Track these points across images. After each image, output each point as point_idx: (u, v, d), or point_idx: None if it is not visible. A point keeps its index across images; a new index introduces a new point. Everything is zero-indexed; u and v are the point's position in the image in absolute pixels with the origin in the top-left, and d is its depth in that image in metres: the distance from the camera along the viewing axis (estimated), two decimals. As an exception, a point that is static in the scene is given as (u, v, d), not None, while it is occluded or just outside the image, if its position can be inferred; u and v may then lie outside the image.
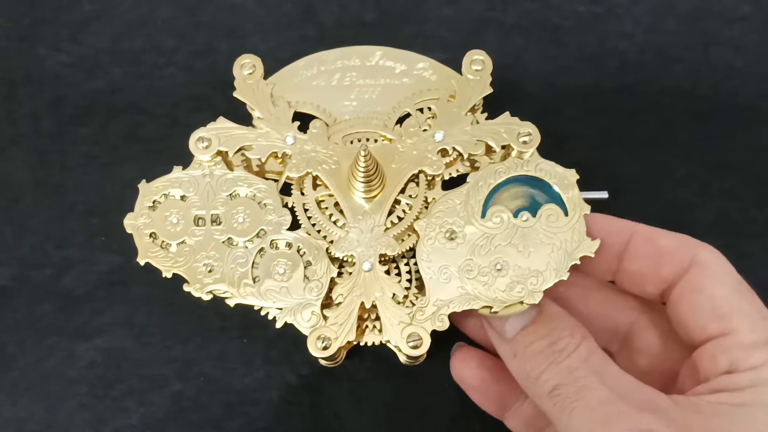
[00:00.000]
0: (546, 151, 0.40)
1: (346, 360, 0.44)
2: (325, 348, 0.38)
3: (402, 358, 0.40)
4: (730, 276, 0.35)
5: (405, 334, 0.37)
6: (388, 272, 0.40)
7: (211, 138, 0.41)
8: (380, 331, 0.39)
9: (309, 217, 0.41)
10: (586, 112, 0.50)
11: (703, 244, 0.36)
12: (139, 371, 0.45)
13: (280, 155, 0.41)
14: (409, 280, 0.41)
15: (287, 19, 0.53)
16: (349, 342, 0.38)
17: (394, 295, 0.39)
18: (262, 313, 0.39)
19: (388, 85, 0.46)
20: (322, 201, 0.41)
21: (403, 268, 0.41)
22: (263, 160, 0.41)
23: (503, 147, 0.40)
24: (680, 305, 0.35)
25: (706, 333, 0.34)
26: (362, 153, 0.38)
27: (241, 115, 0.42)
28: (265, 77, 0.44)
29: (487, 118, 0.42)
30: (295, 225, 0.41)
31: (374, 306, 0.39)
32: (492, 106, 0.43)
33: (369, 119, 0.44)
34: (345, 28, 0.52)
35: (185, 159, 0.41)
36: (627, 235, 0.37)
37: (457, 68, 0.43)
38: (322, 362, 0.43)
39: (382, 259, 0.40)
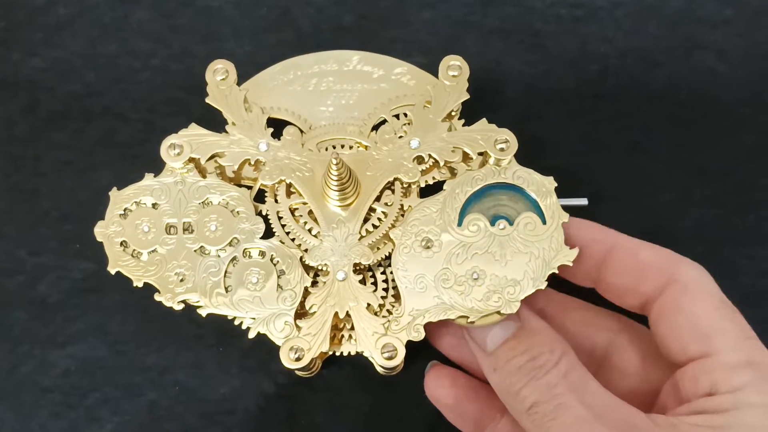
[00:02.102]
0: (525, 157, 0.40)
1: (323, 368, 0.43)
2: (297, 359, 0.37)
3: (378, 369, 0.40)
4: (712, 294, 0.34)
5: (379, 345, 0.37)
6: (363, 282, 0.40)
7: (183, 145, 0.40)
8: (356, 341, 0.38)
9: (283, 226, 0.40)
10: (567, 117, 0.50)
11: (685, 259, 0.35)
12: (114, 380, 0.44)
13: (253, 162, 0.40)
14: (386, 289, 0.40)
15: (264, 23, 0.52)
16: (323, 353, 0.38)
17: (368, 305, 0.38)
18: (236, 322, 0.39)
19: (365, 91, 0.45)
20: (296, 209, 0.41)
21: (380, 277, 0.41)
22: (236, 167, 0.40)
23: (480, 154, 0.40)
24: (660, 325, 0.35)
25: (687, 354, 0.33)
26: (334, 161, 0.37)
27: (218, 121, 0.42)
28: (241, 82, 0.44)
29: (465, 125, 0.41)
30: (268, 233, 0.40)
31: (348, 316, 0.38)
32: (471, 112, 0.43)
33: (345, 125, 0.43)
34: (323, 32, 0.52)
35: (161, 165, 0.41)
36: (609, 245, 0.37)
37: (437, 73, 0.42)
38: (298, 373, 0.42)
39: (357, 268, 0.39)
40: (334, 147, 0.43)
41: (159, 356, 0.44)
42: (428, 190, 0.41)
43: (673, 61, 0.51)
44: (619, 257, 0.36)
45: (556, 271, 0.37)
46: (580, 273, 0.38)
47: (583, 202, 0.43)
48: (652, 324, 0.35)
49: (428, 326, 0.37)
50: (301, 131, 0.43)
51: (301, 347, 0.37)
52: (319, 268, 0.39)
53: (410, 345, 0.37)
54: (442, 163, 0.40)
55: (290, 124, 0.44)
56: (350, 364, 0.43)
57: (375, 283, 0.41)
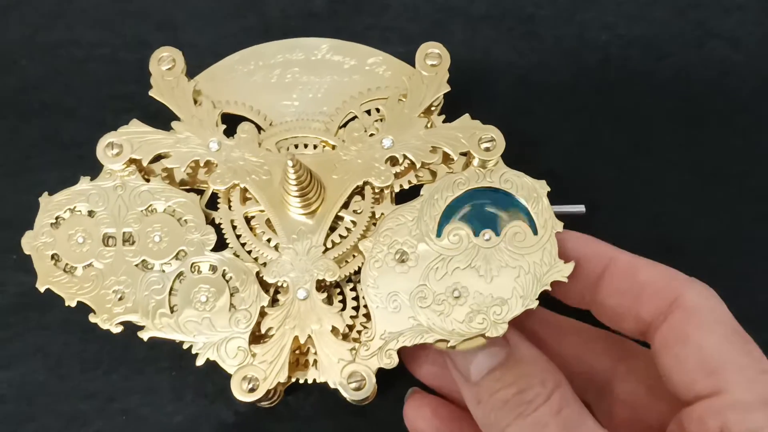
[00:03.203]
0: (515, 158, 0.38)
1: (288, 395, 0.42)
2: (251, 390, 0.35)
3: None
4: (723, 321, 0.32)
5: (346, 374, 0.35)
6: (328, 301, 0.38)
7: (123, 144, 0.38)
8: (319, 369, 0.37)
9: (238, 236, 0.39)
10: (562, 114, 0.48)
11: (691, 280, 0.34)
12: (55, 407, 0.42)
13: (202, 164, 0.39)
14: (356, 308, 0.39)
15: (227, 9, 0.50)
16: (280, 383, 0.36)
17: (333, 328, 0.36)
18: (184, 346, 0.37)
19: (335, 83, 0.43)
20: (253, 217, 0.39)
21: (349, 294, 0.39)
22: (183, 169, 0.38)
23: (463, 155, 0.38)
24: (663, 357, 0.33)
25: (693, 391, 0.32)
26: (290, 163, 0.35)
27: (176, 118, 0.40)
28: (198, 74, 0.42)
29: (446, 121, 0.40)
30: (221, 245, 0.38)
31: (311, 341, 0.36)
32: (455, 107, 0.41)
33: (310, 122, 0.42)
34: (292, 18, 0.50)
35: (112, 166, 0.39)
36: (604, 261, 0.35)
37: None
38: (256, 403, 0.40)
39: (321, 285, 0.37)
40: (296, 146, 0.41)
41: (106, 381, 0.43)
42: (403, 196, 0.39)
43: (682, 50, 0.50)
44: (616, 276, 0.35)
45: (549, 289, 0.35)
46: (572, 293, 0.37)
47: (580, 209, 0.42)
48: (654, 354, 0.34)
49: (404, 351, 0.36)
50: (260, 128, 0.41)
51: (255, 377, 0.35)
52: (280, 284, 0.37)
53: (379, 374, 0.35)
54: (418, 165, 0.38)
55: (247, 120, 0.41)
56: (319, 389, 0.40)
57: (343, 302, 0.39)
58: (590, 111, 0.49)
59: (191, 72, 0.43)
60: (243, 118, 0.42)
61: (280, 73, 0.44)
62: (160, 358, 0.43)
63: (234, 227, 0.39)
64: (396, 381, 0.41)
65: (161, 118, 0.40)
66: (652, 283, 0.34)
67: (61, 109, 0.48)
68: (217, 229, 0.39)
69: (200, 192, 0.40)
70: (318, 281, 0.37)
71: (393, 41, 0.48)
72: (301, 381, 0.38)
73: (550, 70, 0.49)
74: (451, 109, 0.42)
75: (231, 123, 0.40)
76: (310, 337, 0.36)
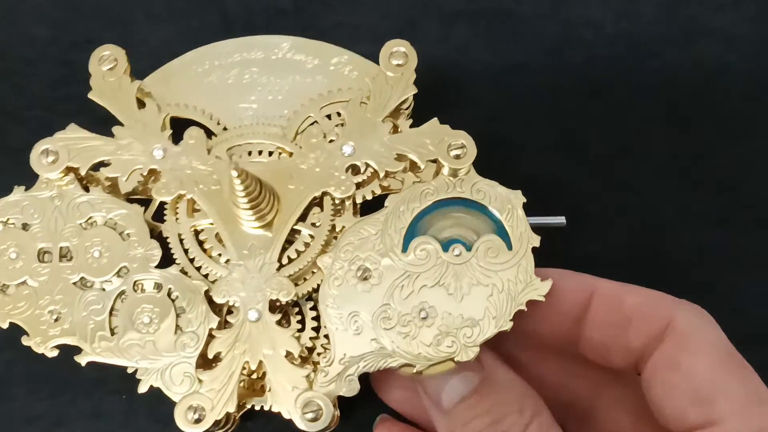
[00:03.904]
0: (491, 166, 0.37)
1: (246, 420, 0.40)
2: (197, 421, 0.34)
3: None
4: (715, 345, 0.32)
5: (300, 403, 0.34)
6: (284, 322, 0.37)
7: (59, 151, 0.37)
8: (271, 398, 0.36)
9: (186, 251, 0.37)
10: (543, 118, 0.47)
11: (681, 302, 0.33)
12: None
13: (146, 172, 0.38)
14: (317, 329, 0.38)
15: (185, 5, 0.49)
16: (229, 413, 0.35)
17: (288, 353, 0.35)
18: (129, 371, 0.36)
19: (297, 84, 0.42)
20: (201, 230, 0.38)
21: (309, 314, 0.38)
22: (125, 178, 0.37)
23: (432, 162, 0.37)
24: (653, 385, 0.32)
25: (685, 422, 0.31)
26: (234, 173, 0.33)
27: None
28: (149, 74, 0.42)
29: (412, 126, 0.39)
30: (167, 261, 0.37)
31: (263, 366, 0.35)
32: (428, 111, 0.40)
33: (265, 127, 0.40)
34: (254, 15, 0.49)
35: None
36: (586, 294, 0.35)
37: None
38: (210, 430, 0.40)
39: (275, 305, 0.36)
40: (249, 153, 0.39)
41: (51, 404, 0.42)
42: (367, 208, 0.38)
43: (671, 49, 0.50)
44: (601, 308, 0.34)
45: (524, 309, 0.34)
46: (557, 335, 0.36)
47: (560, 221, 0.41)
48: (644, 384, 0.33)
49: (372, 375, 0.36)
50: (211, 134, 0.40)
51: (201, 406, 0.34)
52: (233, 305, 0.36)
53: (340, 401, 0.35)
54: (382, 174, 0.37)
55: (198, 125, 0.41)
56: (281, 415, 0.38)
57: (302, 323, 0.38)
58: (573, 114, 0.48)
59: (145, 73, 0.42)
60: (195, 123, 0.41)
61: (237, 73, 0.43)
62: (110, 380, 0.42)
63: (181, 241, 0.38)
64: (363, 407, 0.40)
65: (113, 122, 0.40)
66: (639, 311, 0.34)
67: (7, 112, 0.47)
68: (163, 243, 0.38)
69: (148, 203, 0.39)
70: (271, 301, 0.36)
71: (362, 40, 0.46)
72: (257, 408, 0.37)
73: (530, 71, 0.49)
74: (422, 114, 0.41)
75: (182, 128, 0.39)
76: (261, 362, 0.35)
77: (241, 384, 0.37)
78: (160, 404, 0.39)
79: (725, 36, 0.50)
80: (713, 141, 0.47)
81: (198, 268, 0.37)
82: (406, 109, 0.41)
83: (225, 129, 0.41)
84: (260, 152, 0.40)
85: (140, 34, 0.49)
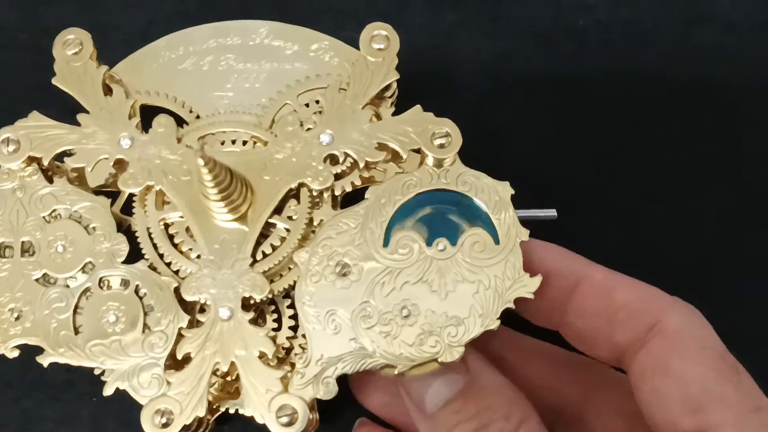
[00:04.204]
0: (480, 157, 0.37)
1: (223, 425, 0.40)
2: (165, 425, 0.33)
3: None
4: (709, 347, 0.31)
5: (274, 407, 0.33)
6: (259, 321, 0.37)
7: (20, 140, 0.36)
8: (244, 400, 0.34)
9: (155, 246, 0.37)
10: (534, 108, 0.47)
11: (673, 300, 0.33)
12: None
13: (112, 162, 0.37)
14: (295, 328, 0.37)
15: None
16: (198, 417, 0.34)
17: (262, 354, 0.34)
18: (96, 372, 0.36)
19: (275, 71, 0.42)
20: (171, 224, 0.37)
21: (287, 312, 0.38)
22: (89, 168, 0.36)
23: (415, 152, 0.36)
24: (643, 389, 0.32)
25: (676, 430, 0.30)
26: (200, 161, 0.32)
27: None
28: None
29: (394, 114, 0.39)
30: (135, 256, 0.36)
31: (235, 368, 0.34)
32: (413, 100, 0.39)
33: (240, 115, 0.40)
34: None
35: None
36: (575, 277, 0.34)
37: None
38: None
39: (248, 303, 0.35)
40: (222, 143, 0.39)
41: (17, 408, 0.41)
42: (346, 200, 0.38)
43: (670, 35, 0.49)
44: (589, 296, 0.34)
45: (512, 306, 0.33)
46: (539, 312, 0.36)
47: (551, 214, 0.40)
48: (632, 385, 0.32)
49: (352, 377, 0.36)
50: (183, 122, 0.40)
51: (169, 410, 0.33)
52: (204, 303, 0.35)
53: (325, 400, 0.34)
54: (362, 164, 0.37)
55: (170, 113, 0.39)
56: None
57: (279, 322, 0.37)
58: (565, 104, 0.48)
59: (118, 60, 0.42)
60: (166, 111, 0.40)
61: (212, 60, 0.42)
62: (79, 382, 0.42)
63: (150, 236, 0.37)
64: (343, 410, 0.40)
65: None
66: (628, 305, 0.33)
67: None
68: (132, 237, 0.37)
69: (112, 195, 0.38)
70: (244, 299, 0.35)
71: (347, 25, 0.46)
72: (232, 411, 0.37)
73: (520, 58, 0.49)
74: (407, 102, 0.40)
75: (153, 117, 0.39)
76: (234, 363, 0.34)
77: (214, 386, 0.36)
78: (132, 408, 0.38)
79: (726, 22, 0.50)
80: (714, 132, 0.47)
81: (168, 264, 0.36)
82: (390, 97, 0.40)
83: (198, 117, 0.40)
84: (233, 142, 0.39)
85: (114, 20, 0.48)
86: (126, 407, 0.40)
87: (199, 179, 0.34)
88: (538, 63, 0.48)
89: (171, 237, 0.37)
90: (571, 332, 0.35)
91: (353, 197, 0.38)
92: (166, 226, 0.37)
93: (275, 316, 0.37)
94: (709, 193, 0.46)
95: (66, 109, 0.39)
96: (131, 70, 0.41)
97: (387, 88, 0.39)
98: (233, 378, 0.36)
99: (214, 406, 0.37)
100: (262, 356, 0.34)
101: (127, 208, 0.38)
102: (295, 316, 0.37)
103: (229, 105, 0.41)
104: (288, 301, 0.38)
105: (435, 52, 0.48)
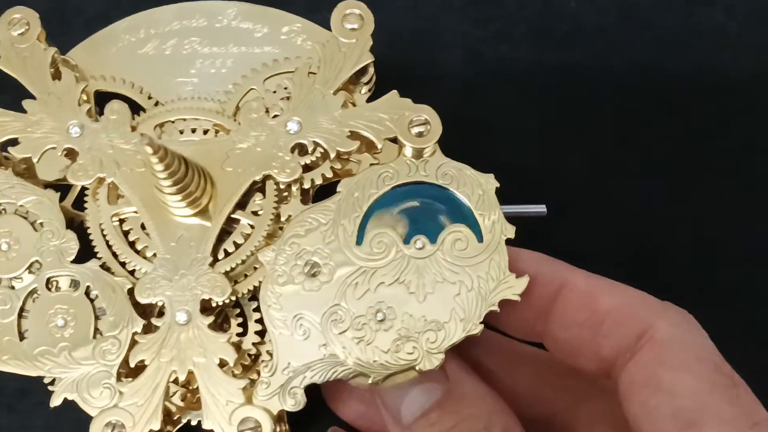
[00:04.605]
0: (465, 149, 0.36)
1: None
2: None
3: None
4: (702, 357, 0.30)
5: (235, 420, 0.32)
6: (226, 325, 0.36)
7: None
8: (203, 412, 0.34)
9: (108, 244, 0.36)
10: (524, 97, 0.47)
11: (664, 306, 0.32)
12: None
13: (61, 152, 0.36)
14: (262, 333, 0.36)
15: None
16: (153, 430, 0.33)
17: (223, 362, 0.33)
18: (45, 380, 0.35)
19: (243, 56, 0.41)
20: (125, 219, 0.36)
21: (253, 316, 0.36)
22: (35, 158, 0.36)
23: (392, 141, 0.36)
24: (631, 404, 0.31)
25: None
26: (148, 149, 0.31)
27: None
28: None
29: (369, 100, 0.38)
30: (86, 255, 0.36)
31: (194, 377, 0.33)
32: (393, 88, 0.38)
33: (202, 102, 0.39)
34: None
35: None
36: (556, 285, 0.33)
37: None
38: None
39: (208, 306, 0.34)
40: (181, 132, 0.37)
41: None
42: (317, 194, 0.38)
43: (667, 19, 0.49)
44: (571, 303, 0.33)
45: (497, 309, 0.33)
46: (517, 323, 0.35)
47: (540, 210, 0.40)
48: (621, 398, 0.32)
49: (324, 385, 0.35)
50: (141, 109, 0.39)
51: (121, 422, 0.32)
52: (160, 305, 0.35)
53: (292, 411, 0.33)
54: (333, 155, 0.36)
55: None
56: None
57: (244, 326, 0.36)
58: (557, 92, 0.47)
59: (75, 42, 0.42)
60: (123, 98, 0.39)
61: (176, 43, 0.42)
62: (35, 391, 0.41)
63: (103, 232, 0.36)
64: (316, 421, 0.39)
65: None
66: (614, 313, 0.32)
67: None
68: (84, 234, 0.36)
69: (62, 188, 0.37)
70: (203, 301, 0.34)
71: (322, 8, 0.43)
72: (194, 423, 0.37)
73: (509, 43, 0.48)
74: (386, 90, 0.39)
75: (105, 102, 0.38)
76: (192, 372, 0.33)
77: (176, 395, 0.36)
78: (90, 418, 0.37)
79: (726, 5, 0.49)
80: (715, 123, 0.47)
81: (123, 264, 0.36)
82: (367, 83, 0.39)
83: (156, 104, 0.40)
84: (194, 130, 0.38)
85: (74, 3, 0.47)
86: (84, 417, 0.37)
87: (151, 170, 0.33)
88: (528, 48, 0.48)
89: (126, 234, 0.36)
90: (554, 344, 0.35)
91: (326, 191, 0.37)
92: (121, 221, 0.36)
93: (240, 320, 0.37)
94: (708, 188, 0.46)
95: (22, 96, 0.37)
96: (88, 55, 0.41)
97: (363, 73, 0.38)
98: (195, 387, 0.35)
99: (175, 418, 0.36)
100: (222, 364, 0.33)
101: (77, 204, 0.38)
102: (262, 321, 0.35)
103: (193, 92, 0.40)
104: (255, 304, 0.36)
105: (417, 36, 0.47)
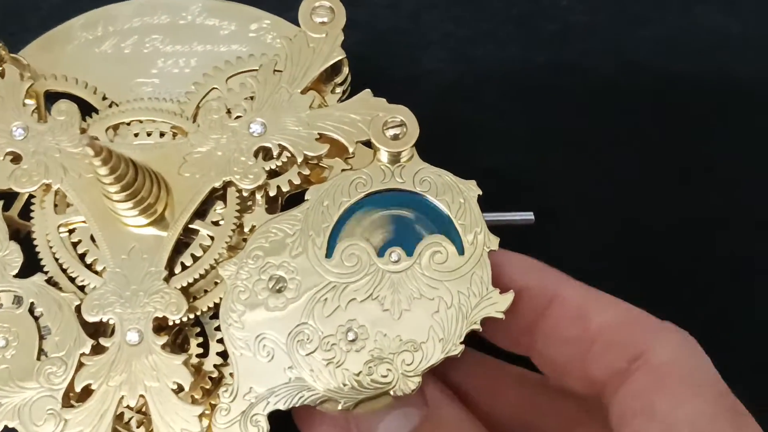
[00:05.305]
0: (445, 153, 0.35)
1: None
2: None
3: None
4: (703, 384, 0.29)
5: None
6: (184, 346, 0.34)
7: None
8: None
9: (55, 257, 0.34)
10: (511, 98, 0.46)
11: (661, 326, 0.31)
12: None
13: (2, 156, 0.34)
14: (224, 354, 0.34)
15: None
16: None
17: (178, 386, 0.32)
18: None
19: (209, 54, 0.40)
20: (74, 230, 0.34)
21: (215, 336, 0.35)
22: None
23: (366, 144, 0.35)
24: None
25: None
26: (88, 149, 0.29)
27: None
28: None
29: (341, 100, 0.37)
30: (32, 268, 0.34)
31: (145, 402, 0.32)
32: (372, 89, 0.37)
33: (160, 102, 0.37)
34: None
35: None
36: (546, 296, 0.33)
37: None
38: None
39: (163, 325, 0.33)
40: (136, 135, 0.36)
41: None
42: (286, 202, 0.37)
43: (664, 17, 0.48)
44: (560, 319, 0.32)
45: (479, 328, 0.32)
46: (506, 334, 0.34)
47: (527, 217, 0.39)
48: (613, 426, 0.31)
49: (295, 409, 0.33)
50: (94, 111, 0.37)
51: None
52: (112, 323, 0.33)
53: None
54: (300, 159, 0.34)
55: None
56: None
57: (205, 346, 0.35)
58: (545, 94, 0.46)
59: (31, 40, 0.40)
60: (74, 99, 0.38)
61: (136, 41, 0.41)
62: None
63: (50, 244, 0.34)
64: None
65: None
66: (607, 331, 0.31)
67: None
68: (31, 246, 0.35)
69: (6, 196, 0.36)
70: (156, 320, 0.33)
71: (296, 5, 0.42)
72: None
73: (496, 42, 0.47)
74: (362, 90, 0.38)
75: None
76: (143, 397, 0.32)
77: (130, 422, 0.34)
78: None
79: (726, 1, 0.49)
80: (714, 127, 0.46)
81: (72, 279, 0.34)
82: (341, 84, 0.38)
83: (111, 106, 0.38)
84: (149, 134, 0.36)
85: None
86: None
87: (95, 175, 0.31)
88: (515, 48, 0.47)
89: (75, 245, 0.34)
90: (542, 360, 0.34)
91: (296, 199, 0.36)
92: (70, 232, 0.35)
93: (201, 339, 0.35)
94: (704, 191, 0.45)
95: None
96: (43, 53, 0.40)
97: (337, 72, 0.37)
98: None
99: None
100: (178, 389, 0.32)
101: (23, 213, 0.37)
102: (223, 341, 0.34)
103: (154, 93, 0.39)
104: (217, 322, 0.34)
105: (398, 35, 0.47)
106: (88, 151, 0.29)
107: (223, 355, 0.34)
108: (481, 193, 0.34)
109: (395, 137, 0.34)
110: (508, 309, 0.32)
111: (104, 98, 0.38)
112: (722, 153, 0.46)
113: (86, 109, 0.37)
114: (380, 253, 0.33)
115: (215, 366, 0.34)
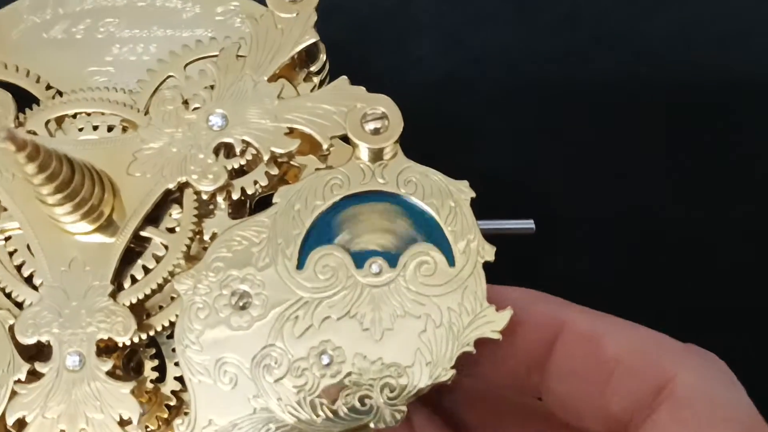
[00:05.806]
0: (438, 154, 0.33)
1: None
2: None
3: None
4: (731, 419, 0.27)
5: None
6: (123, 371, 0.32)
7: None
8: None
9: None
10: (506, 95, 0.45)
11: (686, 350, 0.29)
12: None
13: None
14: (181, 379, 0.32)
15: None
16: None
17: (124, 419, 0.30)
18: None
19: (170, 39, 0.38)
20: (9, 238, 0.32)
21: (173, 358, 0.33)
22: None
23: (343, 140, 0.32)
24: None
25: None
26: (8, 144, 0.26)
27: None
28: None
29: (315, 89, 0.35)
30: None
31: None
32: (354, 81, 0.35)
33: (110, 93, 0.35)
34: None
35: None
36: (553, 328, 0.31)
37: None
38: None
39: (110, 347, 0.31)
40: (81, 129, 0.33)
41: None
42: (256, 206, 0.35)
43: (664, 13, 0.47)
44: (571, 350, 0.30)
45: (472, 350, 0.30)
46: (506, 376, 0.32)
47: (527, 226, 0.38)
48: None
49: None
50: (36, 102, 0.35)
51: None
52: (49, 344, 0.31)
53: None
54: (267, 156, 0.32)
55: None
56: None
57: (161, 370, 0.33)
58: (543, 92, 0.45)
59: None
60: (12, 89, 0.36)
61: (89, 25, 0.39)
62: None
63: None
64: None
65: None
66: (625, 360, 0.29)
67: None
68: None
69: None
70: (100, 341, 0.30)
71: None
72: None
73: (489, 29, 0.46)
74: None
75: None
76: (84, 431, 0.30)
77: None
78: None
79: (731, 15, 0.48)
80: (715, 128, 0.45)
81: (8, 295, 0.32)
82: (317, 72, 0.36)
83: (55, 97, 0.36)
84: (95, 128, 0.34)
85: None
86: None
87: (23, 174, 0.29)
88: (514, 39, 0.46)
89: (11, 255, 0.32)
90: (554, 399, 0.31)
91: (266, 203, 0.34)
92: (6, 240, 0.33)
93: (157, 362, 0.33)
94: (709, 193, 0.44)
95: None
96: None
97: (312, 58, 0.35)
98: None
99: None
100: (124, 422, 0.30)
101: None
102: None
103: (108, 83, 0.37)
104: (174, 343, 0.32)
105: (386, 20, 0.46)
106: (8, 146, 0.26)
107: (182, 379, 0.32)
108: (474, 195, 0.32)
109: (376, 131, 0.31)
110: (505, 328, 0.30)
111: (48, 88, 0.36)
112: (730, 158, 0.45)
113: (28, 101, 0.35)
114: (359, 263, 0.31)
115: (173, 392, 0.32)
